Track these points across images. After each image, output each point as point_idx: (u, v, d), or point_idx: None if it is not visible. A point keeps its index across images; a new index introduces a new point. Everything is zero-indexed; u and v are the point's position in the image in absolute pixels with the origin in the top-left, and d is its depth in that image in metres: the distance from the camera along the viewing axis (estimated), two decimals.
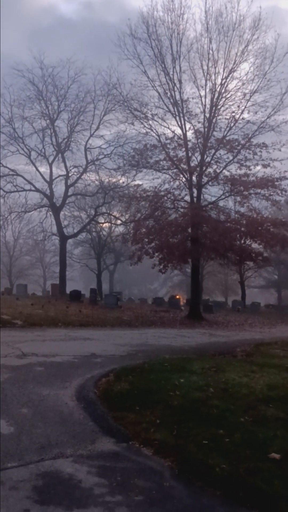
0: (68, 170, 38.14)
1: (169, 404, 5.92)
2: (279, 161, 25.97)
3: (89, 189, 39.92)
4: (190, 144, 26.90)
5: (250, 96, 25.77)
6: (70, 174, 38.31)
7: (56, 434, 4.80)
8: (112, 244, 47.68)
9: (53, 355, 9.68)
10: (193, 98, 26.42)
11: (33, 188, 37.21)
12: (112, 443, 4.64)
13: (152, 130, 26.85)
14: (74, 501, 3.37)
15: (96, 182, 38.79)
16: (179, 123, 26.60)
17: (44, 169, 38.70)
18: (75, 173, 38.57)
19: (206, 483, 3.73)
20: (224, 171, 27.00)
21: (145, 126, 26.98)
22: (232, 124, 26.29)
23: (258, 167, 26.58)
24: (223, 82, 25.78)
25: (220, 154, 26.97)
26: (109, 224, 46.20)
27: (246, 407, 5.89)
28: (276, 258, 46.74)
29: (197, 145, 27.05)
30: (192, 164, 26.74)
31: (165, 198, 27.63)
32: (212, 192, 28.49)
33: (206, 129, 26.39)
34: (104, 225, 47.14)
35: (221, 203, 28.39)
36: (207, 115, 26.29)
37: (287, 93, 25.15)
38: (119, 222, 40.12)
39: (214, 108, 26.13)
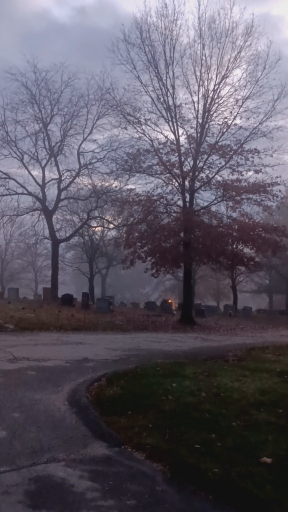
0: (61, 173, 38.08)
1: (161, 408, 5.93)
2: (271, 167, 26.27)
3: (81, 193, 39.90)
4: (182, 149, 27.06)
5: (243, 102, 26.05)
6: (62, 178, 38.25)
7: (48, 439, 4.79)
8: (105, 248, 47.66)
9: (45, 360, 9.65)
10: (186, 104, 26.68)
11: (25, 192, 37.09)
12: (104, 447, 4.64)
13: (145, 135, 27.01)
14: (67, 506, 3.37)
15: (89, 186, 38.77)
16: (172, 128, 26.76)
17: (36, 172, 38.63)
18: (68, 177, 38.53)
19: (198, 487, 3.74)
20: (216, 176, 27.24)
21: (138, 131, 27.13)
22: (225, 129, 26.54)
23: (250, 173, 26.86)
24: (215, 88, 26.02)
25: (212, 159, 27.22)
26: (102, 228, 46.17)
27: (238, 412, 5.92)
28: (267, 263, 46.92)
29: (189, 150, 27.23)
30: (184, 169, 26.89)
31: (158, 202, 27.74)
32: (204, 197, 28.67)
33: (198, 135, 26.58)
34: (96, 229, 47.09)
35: (213, 208, 28.63)
36: (200, 120, 26.50)
37: (279, 99, 25.43)
38: (111, 226, 40.07)
39: (206, 113, 26.32)
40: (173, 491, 3.73)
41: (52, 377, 7.87)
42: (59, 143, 37.17)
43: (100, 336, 16.74)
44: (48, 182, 38.45)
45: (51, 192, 39.21)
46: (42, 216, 37.98)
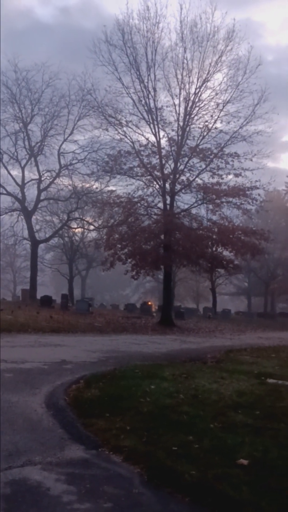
0: (41, 174, 37.77)
1: (139, 410, 5.92)
2: (251, 171, 26.53)
3: (62, 193, 39.61)
4: (163, 152, 27.16)
5: (223, 106, 26.32)
6: (42, 178, 37.95)
7: (24, 442, 4.73)
8: (85, 249, 47.41)
9: (23, 362, 9.54)
10: (167, 106, 26.78)
11: (4, 192, 36.67)
12: (81, 450, 4.61)
13: (126, 136, 27.03)
14: (42, 509, 3.33)
15: (69, 187, 38.51)
16: (153, 130, 26.85)
17: (16, 172, 38.24)
18: (48, 178, 38.23)
19: (175, 490, 3.74)
20: (197, 179, 27.41)
21: (119, 133, 27.13)
22: (205, 133, 26.74)
23: (230, 176, 27.12)
24: (197, 91, 26.23)
25: (193, 162, 27.40)
26: (82, 229, 45.94)
27: (216, 413, 5.95)
28: (246, 266, 47.43)
29: (170, 153, 27.34)
30: (165, 172, 26.99)
31: (139, 204, 27.77)
32: (185, 200, 28.82)
33: (179, 137, 26.73)
34: (76, 230, 46.85)
35: (193, 211, 28.82)
36: (181, 123, 26.65)
37: (259, 104, 25.76)
38: (92, 227, 39.92)
39: (187, 116, 26.49)
40: (150, 493, 3.72)
41: (30, 380, 7.79)
42: (39, 143, 36.89)
43: (79, 338, 16.65)
44: (28, 182, 38.13)
45: (31, 193, 38.87)
46: (21, 216, 37.60)
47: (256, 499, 3.58)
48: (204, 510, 3.48)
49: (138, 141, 27.42)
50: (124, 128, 26.82)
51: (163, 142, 27.36)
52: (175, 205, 27.82)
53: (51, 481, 3.82)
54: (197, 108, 26.55)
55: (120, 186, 33.42)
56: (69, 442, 4.82)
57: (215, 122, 26.62)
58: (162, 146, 27.10)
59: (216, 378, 8.47)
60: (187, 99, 26.25)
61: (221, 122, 26.95)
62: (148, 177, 27.44)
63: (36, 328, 17.75)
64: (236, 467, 4.18)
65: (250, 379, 8.60)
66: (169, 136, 27.32)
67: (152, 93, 26.14)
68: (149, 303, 46.76)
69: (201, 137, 26.81)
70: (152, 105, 26.31)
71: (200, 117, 26.93)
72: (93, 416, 5.67)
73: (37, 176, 38.03)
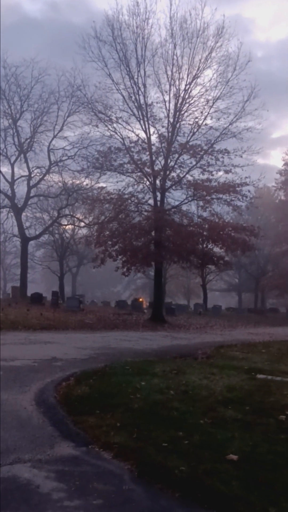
0: (31, 170, 37.61)
1: (130, 407, 5.92)
2: (240, 167, 26.58)
3: (52, 190, 39.51)
4: (154, 148, 27.11)
5: (213, 103, 26.28)
6: (32, 175, 37.80)
7: (14, 439, 4.71)
8: (75, 246, 47.29)
9: (12, 359, 9.50)
10: (157, 103, 26.68)
11: None
12: (71, 447, 4.60)
13: (116, 133, 26.89)
14: (32, 507, 3.32)
15: (60, 183, 38.45)
16: (143, 127, 26.76)
17: (5, 169, 38.14)
18: (38, 174, 38.11)
19: (165, 485, 3.74)
20: (187, 175, 27.38)
21: (109, 129, 26.99)
22: (195, 129, 26.71)
23: (220, 173, 27.12)
24: (186, 87, 26.15)
25: (183, 159, 27.37)
26: (72, 226, 45.82)
27: (206, 409, 5.97)
28: (237, 262, 47.67)
29: (161, 149, 27.29)
30: (156, 168, 26.92)
31: (129, 201, 27.69)
32: (175, 196, 28.79)
33: (170, 134, 26.68)
34: (67, 227, 46.71)
35: (184, 207, 28.78)
36: (171, 120, 26.60)
37: (249, 101, 25.77)
38: (82, 224, 39.82)
39: (178, 113, 26.44)
40: (140, 489, 3.72)
41: (20, 377, 7.75)
42: (28, 140, 36.71)
43: (70, 335, 16.60)
44: (18, 179, 37.97)
45: (21, 189, 38.75)
46: (11, 213, 37.44)
47: (246, 493, 3.60)
48: (194, 505, 3.48)
49: (128, 137, 27.35)
50: (114, 125, 26.73)
51: (153, 138, 27.33)
52: (165, 201, 27.83)
53: (40, 478, 3.81)
54: (187, 105, 26.53)
55: (110, 183, 33.35)
56: (59, 439, 4.81)
57: (205, 118, 26.61)
58: (152, 143, 27.06)
59: (206, 374, 8.49)
60: (177, 95, 26.21)
61: (211, 119, 26.97)
62: (139, 173, 27.37)
63: (26, 325, 17.69)
64: (226, 462, 4.20)
65: (240, 375, 8.64)
66: (159, 132, 27.27)
67: (142, 89, 26.07)
68: (140, 299, 46.82)
69: (191, 134, 26.81)
70: (142, 101, 26.25)
71: (190, 114, 26.91)
72: (83, 413, 5.66)
73: (27, 173, 37.91)
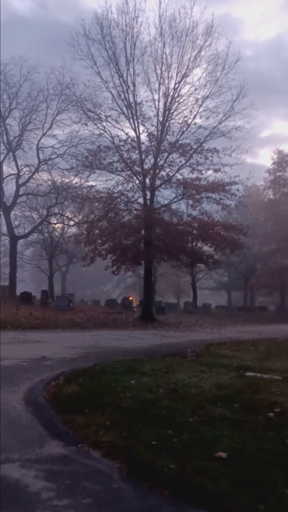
0: (20, 169, 37.40)
1: (119, 406, 5.92)
2: (230, 166, 26.78)
3: (41, 189, 39.31)
4: (143, 147, 27.13)
5: (202, 102, 26.40)
6: (21, 173, 37.59)
7: (3, 439, 4.68)
8: (65, 245, 47.11)
9: (1, 359, 9.44)
10: (146, 101, 26.74)
11: None
12: (61, 446, 4.58)
13: (105, 131, 26.89)
14: (21, 506, 3.30)
15: (49, 182, 38.27)
16: (133, 125, 26.78)
17: None
18: (27, 172, 37.91)
19: (155, 484, 3.75)
20: (176, 174, 27.49)
21: (98, 127, 26.97)
22: (185, 128, 26.81)
23: (210, 172, 27.28)
24: (176, 86, 26.23)
25: (173, 157, 27.45)
26: (62, 224, 45.66)
27: (195, 407, 5.98)
28: (226, 261, 47.83)
29: (150, 148, 27.33)
30: (145, 167, 26.97)
31: (119, 200, 27.70)
32: (165, 195, 28.88)
33: (159, 133, 26.72)
34: (56, 225, 46.54)
35: (173, 206, 28.91)
36: (160, 118, 26.67)
37: (238, 100, 25.92)
38: (72, 223, 39.68)
39: (167, 112, 26.49)
40: (129, 488, 3.72)
41: (8, 377, 7.71)
42: (17, 138, 36.49)
43: (59, 334, 16.55)
44: (6, 177, 37.71)
45: (9, 188, 38.50)
46: (0, 212, 37.14)
47: (234, 491, 3.61)
48: (184, 503, 3.49)
49: (118, 136, 27.36)
50: (104, 123, 26.72)
51: (143, 137, 27.38)
52: (155, 200, 27.86)
53: (30, 478, 3.79)
54: (176, 103, 26.62)
55: (100, 181, 33.26)
56: (48, 438, 4.79)
57: (194, 117, 26.75)
58: (141, 141, 27.08)
59: (195, 372, 8.52)
60: (167, 94, 26.26)
61: (200, 118, 27.11)
62: (128, 172, 27.38)
63: (16, 324, 17.59)
64: (215, 460, 4.21)
65: (229, 373, 8.68)
66: (149, 131, 27.34)
67: (132, 88, 26.11)
68: (130, 298, 46.86)
69: (180, 133, 26.90)
70: (131, 100, 26.27)
71: (180, 113, 27.02)
72: (72, 412, 5.65)
73: (15, 171, 37.67)
